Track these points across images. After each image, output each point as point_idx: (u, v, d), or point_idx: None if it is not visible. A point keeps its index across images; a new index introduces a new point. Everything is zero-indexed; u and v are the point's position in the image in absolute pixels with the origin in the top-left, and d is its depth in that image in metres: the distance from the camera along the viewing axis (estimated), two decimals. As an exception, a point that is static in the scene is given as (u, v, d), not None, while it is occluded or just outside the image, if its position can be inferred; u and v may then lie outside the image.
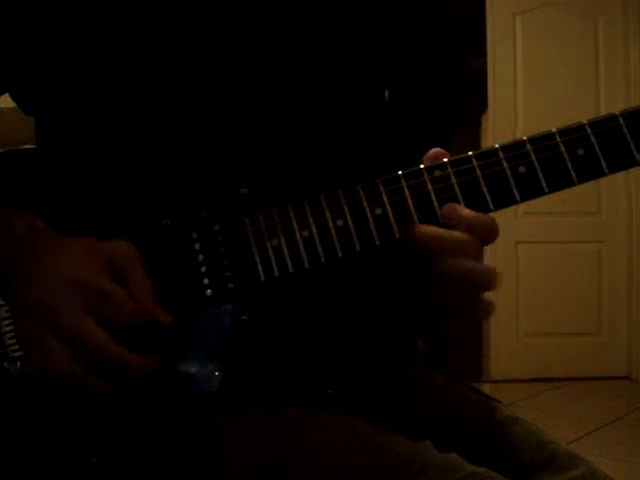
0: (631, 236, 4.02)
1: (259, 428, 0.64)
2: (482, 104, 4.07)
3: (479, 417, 0.79)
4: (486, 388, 3.55)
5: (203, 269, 0.65)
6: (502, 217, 0.66)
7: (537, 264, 3.99)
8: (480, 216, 0.64)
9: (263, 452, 0.62)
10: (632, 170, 0.66)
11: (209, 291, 0.65)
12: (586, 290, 4.03)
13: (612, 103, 3.98)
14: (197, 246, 0.66)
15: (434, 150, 0.66)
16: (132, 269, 0.63)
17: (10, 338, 0.67)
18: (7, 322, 0.67)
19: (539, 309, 4.02)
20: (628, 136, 0.63)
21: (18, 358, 0.66)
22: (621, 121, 0.64)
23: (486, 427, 0.77)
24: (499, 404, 0.82)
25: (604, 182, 3.78)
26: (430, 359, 0.85)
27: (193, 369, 0.66)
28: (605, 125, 0.64)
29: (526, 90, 4.00)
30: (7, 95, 0.77)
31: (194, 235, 0.66)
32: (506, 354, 4.00)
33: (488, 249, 0.69)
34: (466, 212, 0.64)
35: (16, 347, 0.66)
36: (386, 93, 0.77)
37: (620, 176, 3.71)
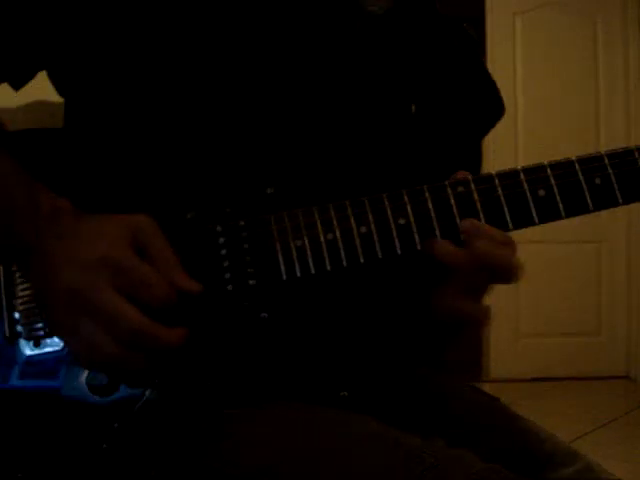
0: (631, 236, 4.02)
1: (273, 423, 0.65)
2: (482, 104, 4.07)
3: (488, 414, 0.80)
4: (486, 388, 3.55)
5: (225, 264, 0.66)
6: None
7: (537, 264, 3.99)
8: (498, 233, 0.66)
9: (276, 447, 0.63)
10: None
11: (230, 286, 0.66)
12: (586, 290, 4.03)
13: (611, 103, 3.98)
14: (221, 240, 0.66)
15: (461, 174, 0.68)
16: (155, 241, 0.63)
17: (26, 317, 0.66)
18: (22, 300, 0.66)
19: (539, 309, 4.02)
20: None
21: (32, 338, 0.66)
22: (637, 155, 0.66)
23: (496, 423, 0.78)
24: (500, 402, 0.83)
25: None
26: (433, 360, 0.85)
27: (208, 361, 0.66)
28: (622, 158, 0.66)
29: (526, 90, 4.00)
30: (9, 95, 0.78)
31: (218, 229, 0.66)
32: (506, 354, 4.01)
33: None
34: (485, 227, 0.66)
35: (34, 326, 0.66)
36: (413, 106, 0.78)
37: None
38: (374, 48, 0.76)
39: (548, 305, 4.00)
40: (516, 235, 0.68)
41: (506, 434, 0.77)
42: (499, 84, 0.88)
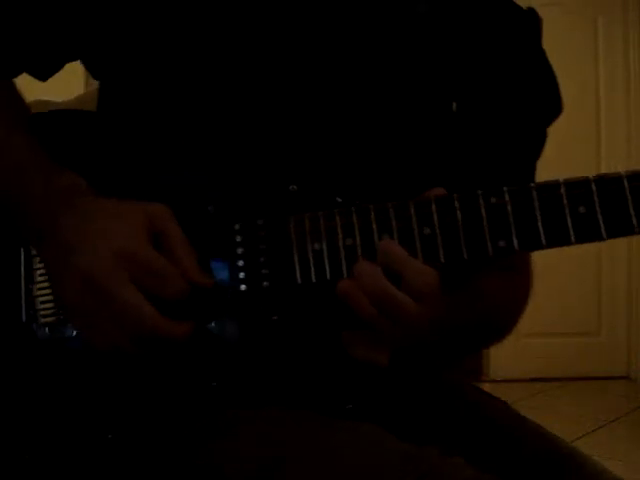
0: (631, 236, 4.01)
1: (271, 425, 0.65)
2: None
3: (486, 420, 0.79)
4: (486, 388, 3.54)
5: (240, 263, 0.65)
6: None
7: (537, 264, 3.98)
8: (415, 263, 0.61)
9: (273, 449, 0.62)
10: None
11: (243, 286, 0.65)
12: (586, 290, 4.03)
13: (612, 103, 3.98)
14: (238, 238, 0.65)
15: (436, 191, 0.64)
16: (172, 232, 0.62)
17: (42, 302, 0.66)
18: (40, 286, 0.66)
19: (539, 309, 4.01)
20: None
21: (47, 324, 0.66)
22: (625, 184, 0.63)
23: (492, 430, 0.77)
24: (504, 405, 0.82)
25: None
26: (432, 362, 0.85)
27: (215, 361, 0.66)
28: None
29: (526, 90, 3.99)
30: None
31: (236, 227, 0.65)
32: (506, 354, 4.00)
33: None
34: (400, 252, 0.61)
35: (49, 312, 0.66)
36: (454, 104, 0.75)
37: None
38: (410, 43, 0.74)
39: (548, 305, 3.99)
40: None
41: (512, 439, 0.75)
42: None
